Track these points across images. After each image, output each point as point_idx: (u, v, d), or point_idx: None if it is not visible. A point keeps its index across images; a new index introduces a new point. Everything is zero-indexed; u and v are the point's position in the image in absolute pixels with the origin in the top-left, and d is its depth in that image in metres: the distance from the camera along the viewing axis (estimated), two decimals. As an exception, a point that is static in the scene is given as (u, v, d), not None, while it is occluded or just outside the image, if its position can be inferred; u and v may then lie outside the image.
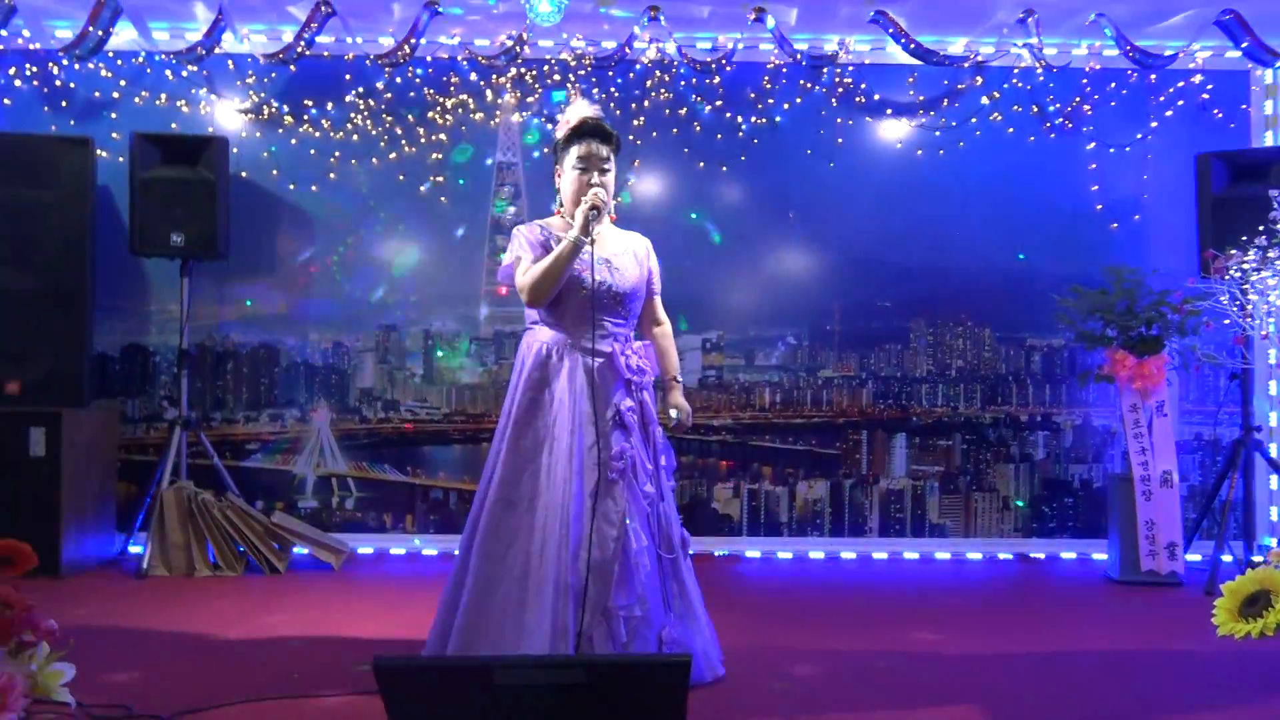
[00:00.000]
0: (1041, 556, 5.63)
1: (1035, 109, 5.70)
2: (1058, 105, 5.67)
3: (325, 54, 5.57)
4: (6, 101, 5.78)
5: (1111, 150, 5.65)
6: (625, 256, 2.91)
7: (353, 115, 5.63)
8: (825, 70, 5.64)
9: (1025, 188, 5.65)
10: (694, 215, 5.68)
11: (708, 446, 5.61)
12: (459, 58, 5.56)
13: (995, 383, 5.74)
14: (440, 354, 5.59)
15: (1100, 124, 5.70)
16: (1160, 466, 4.88)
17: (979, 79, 5.68)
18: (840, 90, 5.71)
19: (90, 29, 5.36)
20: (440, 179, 5.68)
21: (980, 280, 5.62)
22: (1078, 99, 5.73)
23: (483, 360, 5.63)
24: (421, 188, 5.68)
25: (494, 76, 5.62)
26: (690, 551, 2.99)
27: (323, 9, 5.21)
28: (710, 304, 5.55)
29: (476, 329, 5.70)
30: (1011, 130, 5.70)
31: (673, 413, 2.85)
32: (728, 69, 5.59)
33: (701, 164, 5.67)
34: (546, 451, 2.77)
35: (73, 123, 5.61)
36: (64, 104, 5.60)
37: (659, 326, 3.07)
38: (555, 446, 2.75)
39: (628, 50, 5.43)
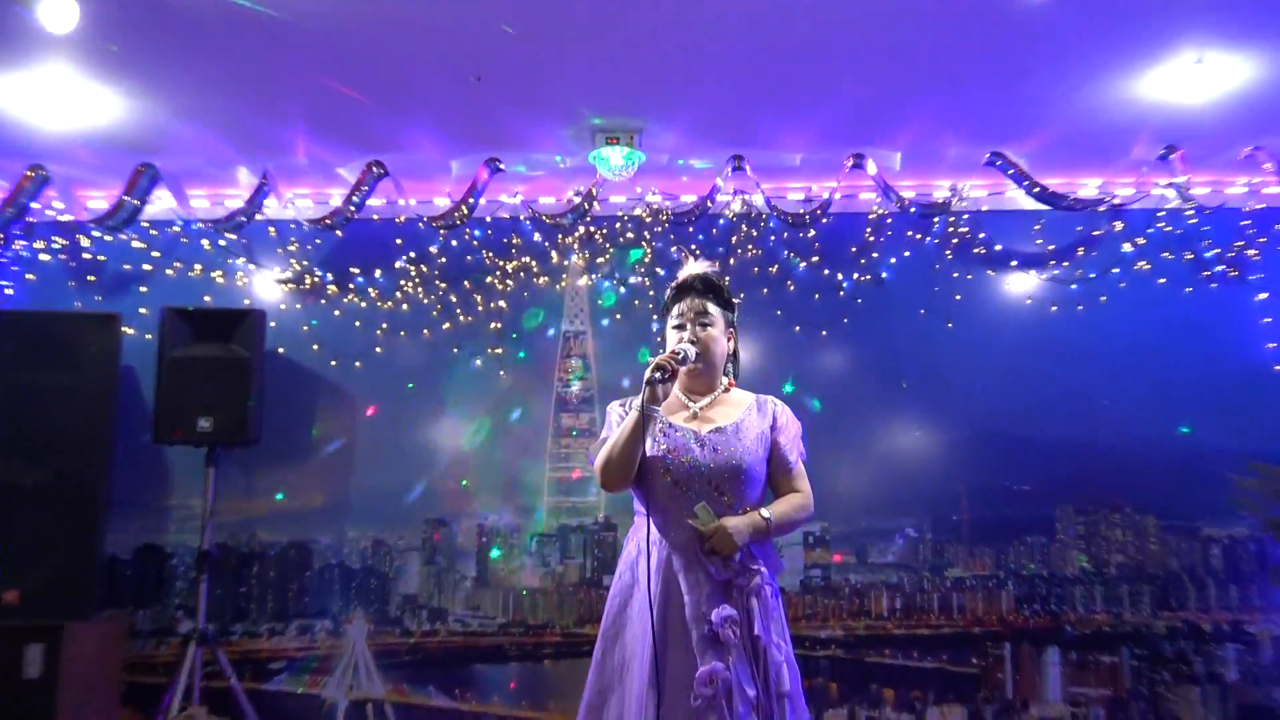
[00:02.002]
0: (1249, 806, 5.17)
1: (1189, 255, 5.40)
2: (1217, 250, 5.38)
3: (375, 217, 5.43)
4: (30, 277, 5.68)
5: (1288, 300, 5.28)
6: (737, 427, 2.71)
7: (403, 282, 5.49)
8: (937, 219, 5.45)
9: (1185, 346, 5.30)
10: (789, 387, 5.41)
11: (815, 664, 5.19)
12: (522, 217, 5.44)
13: (1167, 582, 5.27)
14: (496, 553, 5.34)
15: (1272, 269, 5.35)
16: (1396, 691, 4.37)
17: (1118, 224, 5.43)
18: (955, 240, 5.51)
19: (126, 198, 5.18)
20: (499, 351, 5.49)
21: (1138, 458, 5.24)
22: (1240, 243, 5.40)
23: (545, 560, 5.35)
24: (478, 360, 5.50)
25: (560, 237, 5.50)
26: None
27: (374, 170, 5.12)
28: (813, 490, 5.01)
29: (539, 523, 5.43)
30: (1163, 280, 5.39)
31: (707, 519, 2.52)
32: (824, 221, 5.39)
33: (797, 328, 5.47)
34: (629, 671, 2.63)
35: (99, 298, 5.47)
36: (91, 278, 5.48)
37: (793, 495, 2.79)
38: (636, 666, 2.61)
39: (709, 204, 5.28)
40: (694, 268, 2.88)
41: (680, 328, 2.74)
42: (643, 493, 2.65)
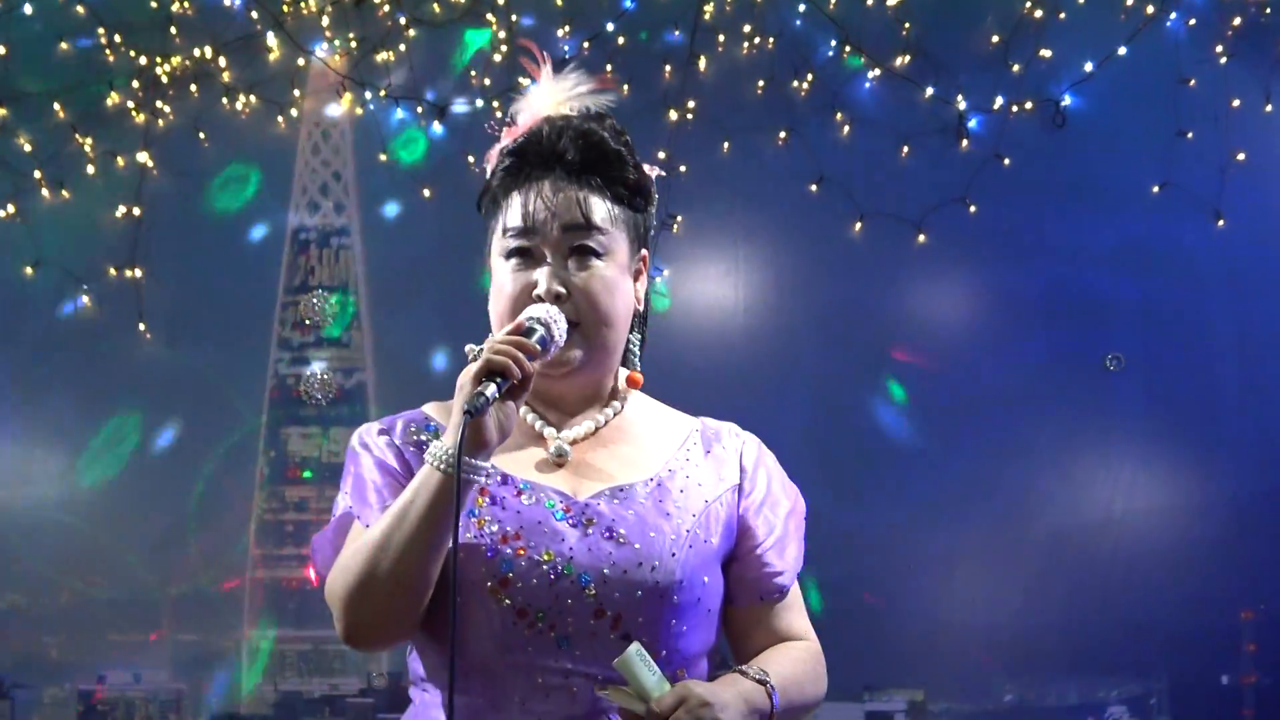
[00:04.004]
0: None
1: None
2: None
3: None
4: None
5: None
6: (660, 486, 1.98)
7: None
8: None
9: None
10: (828, 363, 4.69)
11: None
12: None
13: None
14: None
15: None
16: None
17: None
18: (1239, 21, 4.60)
19: None
20: (134, 275, 4.57)
21: None
22: None
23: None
24: (85, 297, 4.60)
25: (286, -2, 4.52)
26: None
27: None
28: (897, 620, 4.63)
29: (238, 689, 4.66)
30: None
31: (644, 684, 1.86)
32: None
33: (858, 225, 4.49)
34: None
35: None
36: None
37: (794, 647, 2.08)
38: None
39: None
40: (545, 98, 2.03)
41: (523, 260, 1.92)
42: (437, 636, 1.93)
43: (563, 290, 1.84)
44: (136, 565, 4.48)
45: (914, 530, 4.47)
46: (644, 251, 1.96)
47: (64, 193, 4.49)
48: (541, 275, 1.84)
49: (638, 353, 2.00)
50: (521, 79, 1.97)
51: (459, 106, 4.58)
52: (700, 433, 2.00)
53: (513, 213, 1.86)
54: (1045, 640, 4.44)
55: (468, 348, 1.81)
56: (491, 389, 1.68)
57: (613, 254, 1.91)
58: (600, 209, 1.89)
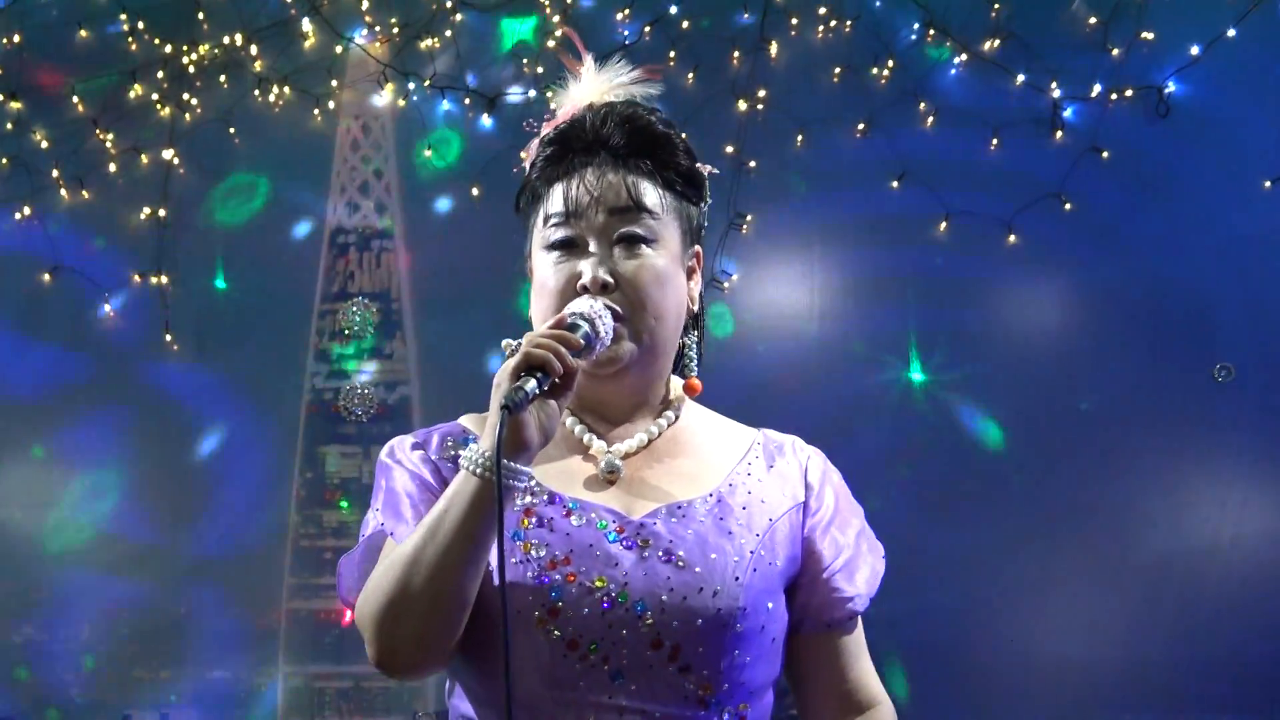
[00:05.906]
0: None
1: None
2: None
3: None
4: None
5: None
6: (721, 502, 2.00)
7: None
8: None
9: None
10: (913, 374, 4.56)
11: None
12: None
13: None
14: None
15: None
16: None
17: None
18: None
19: None
20: (161, 282, 4.46)
21: None
22: None
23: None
24: (108, 304, 4.47)
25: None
26: None
27: None
28: (988, 651, 4.44)
29: None
30: None
31: None
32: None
33: (944, 221, 4.37)
34: None
35: None
36: None
37: (860, 716, 2.04)
38: None
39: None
40: (594, 83, 2.00)
41: (566, 250, 1.89)
42: (479, 669, 1.89)
43: (610, 280, 1.79)
44: (162, 597, 4.30)
45: (1007, 554, 4.27)
46: (697, 248, 1.89)
47: (83, 193, 4.37)
48: (586, 265, 1.78)
49: (695, 357, 1.95)
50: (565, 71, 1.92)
51: (510, 97, 4.39)
52: (762, 445, 1.96)
53: (554, 200, 1.81)
54: (1148, 675, 4.23)
55: (505, 343, 1.75)
56: (531, 384, 1.64)
57: (664, 243, 1.85)
58: (650, 193, 1.85)
